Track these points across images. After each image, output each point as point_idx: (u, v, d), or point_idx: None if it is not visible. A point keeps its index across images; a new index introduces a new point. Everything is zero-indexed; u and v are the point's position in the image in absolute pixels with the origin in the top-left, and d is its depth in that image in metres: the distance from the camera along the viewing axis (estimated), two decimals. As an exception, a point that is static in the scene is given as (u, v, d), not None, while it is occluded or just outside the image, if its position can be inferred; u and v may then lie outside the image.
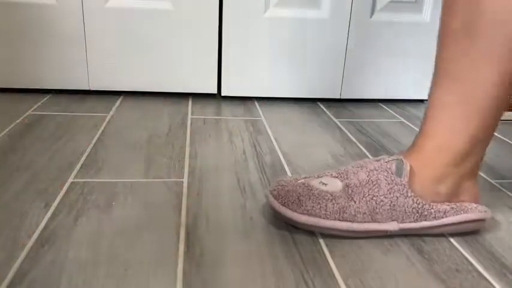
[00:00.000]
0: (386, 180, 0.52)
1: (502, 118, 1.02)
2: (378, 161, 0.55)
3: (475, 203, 0.55)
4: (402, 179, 0.52)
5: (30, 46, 1.00)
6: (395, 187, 0.52)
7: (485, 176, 0.72)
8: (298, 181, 0.54)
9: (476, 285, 0.46)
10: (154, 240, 0.51)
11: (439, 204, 0.53)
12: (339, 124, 0.94)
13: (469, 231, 0.55)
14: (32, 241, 0.49)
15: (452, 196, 0.54)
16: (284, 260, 0.48)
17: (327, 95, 1.10)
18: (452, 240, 0.54)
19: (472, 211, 0.53)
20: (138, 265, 0.46)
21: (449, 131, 0.52)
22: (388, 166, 0.53)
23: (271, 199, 0.54)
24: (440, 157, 0.53)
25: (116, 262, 0.47)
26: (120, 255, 0.48)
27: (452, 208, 0.53)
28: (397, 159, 0.54)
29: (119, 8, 0.99)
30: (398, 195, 0.52)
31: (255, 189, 0.63)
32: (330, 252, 0.50)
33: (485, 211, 0.54)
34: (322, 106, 1.07)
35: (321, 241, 0.52)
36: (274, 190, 0.54)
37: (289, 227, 0.54)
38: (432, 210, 0.52)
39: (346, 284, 0.45)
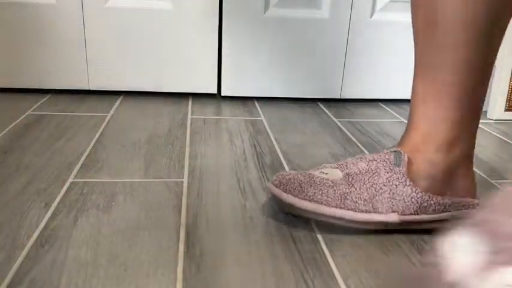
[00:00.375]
0: (385, 169, 0.53)
1: (502, 118, 1.02)
2: (376, 153, 0.56)
3: (472, 190, 0.55)
4: (401, 168, 0.53)
5: (29, 46, 1.00)
6: (394, 176, 0.52)
7: (485, 176, 0.72)
8: (300, 172, 0.55)
9: (477, 285, 0.46)
10: (154, 240, 0.51)
11: (439, 197, 0.53)
12: (339, 124, 0.94)
13: None
14: (32, 241, 0.49)
15: (448, 183, 0.54)
16: (284, 259, 0.48)
17: (327, 95, 1.10)
18: (452, 240, 0.54)
19: (473, 207, 0.53)
20: (138, 265, 0.46)
21: (433, 120, 0.54)
22: (387, 157, 0.54)
23: (272, 187, 0.54)
24: (429, 146, 0.54)
25: (115, 262, 0.47)
26: (120, 255, 0.48)
27: (453, 203, 0.53)
28: (395, 150, 0.55)
29: (119, 7, 0.99)
30: (397, 183, 0.52)
31: (255, 189, 0.63)
32: (330, 252, 0.50)
33: None
34: (322, 106, 1.07)
35: (321, 241, 0.52)
36: (276, 180, 0.54)
37: (290, 226, 0.54)
38: (432, 202, 0.52)
39: (346, 284, 0.45)
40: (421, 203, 0.52)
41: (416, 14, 0.54)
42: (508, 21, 0.51)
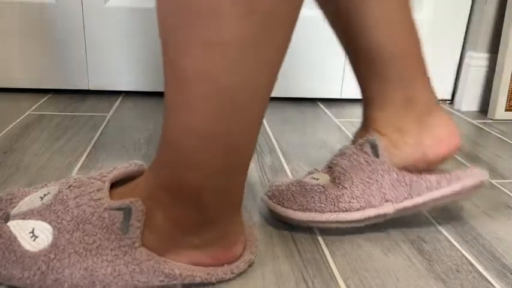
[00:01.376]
0: (366, 162, 0.52)
1: (502, 118, 1.02)
2: (353, 145, 0.55)
3: (449, 128, 0.54)
4: (381, 158, 0.52)
5: (30, 46, 1.00)
6: (378, 167, 0.52)
7: (485, 176, 0.72)
8: (292, 181, 0.55)
9: (477, 285, 0.46)
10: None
11: (428, 175, 0.52)
12: (339, 124, 0.94)
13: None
14: (31, 241, 0.49)
15: (423, 133, 0.53)
16: (284, 260, 0.48)
17: (327, 95, 1.10)
18: (452, 240, 0.54)
19: (467, 177, 0.52)
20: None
21: (381, 91, 0.53)
22: (365, 149, 0.53)
23: (266, 199, 0.54)
24: (387, 112, 0.53)
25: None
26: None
27: (446, 178, 0.52)
28: (369, 138, 0.54)
29: (119, 7, 0.99)
30: (382, 173, 0.52)
31: (254, 190, 0.63)
32: (330, 252, 0.50)
33: (481, 174, 0.53)
34: (322, 106, 1.07)
35: (321, 241, 0.52)
36: (269, 191, 0.54)
37: (289, 226, 0.54)
38: (422, 181, 0.52)
39: (346, 284, 0.45)
40: (410, 184, 0.52)
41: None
42: None
